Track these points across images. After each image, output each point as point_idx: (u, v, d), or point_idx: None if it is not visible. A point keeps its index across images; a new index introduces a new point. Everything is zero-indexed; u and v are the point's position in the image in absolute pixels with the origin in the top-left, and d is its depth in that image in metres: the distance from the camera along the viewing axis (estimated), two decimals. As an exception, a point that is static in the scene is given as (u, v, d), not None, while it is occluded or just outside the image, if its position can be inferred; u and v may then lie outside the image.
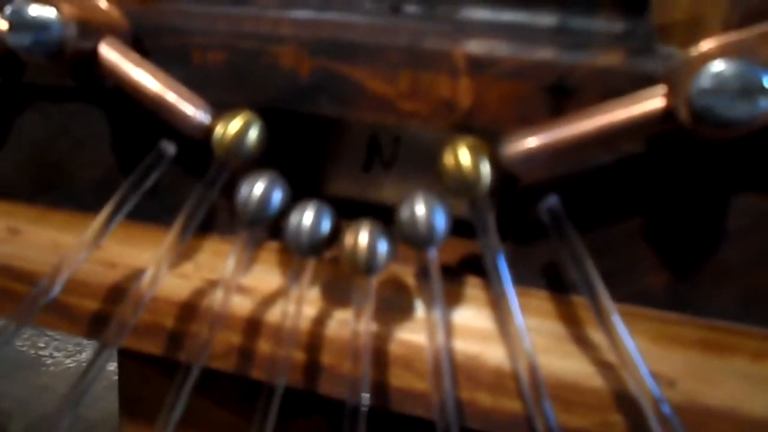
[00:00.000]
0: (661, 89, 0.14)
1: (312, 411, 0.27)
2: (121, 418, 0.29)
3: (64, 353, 0.61)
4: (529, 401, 0.16)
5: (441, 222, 0.16)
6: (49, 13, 0.17)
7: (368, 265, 0.17)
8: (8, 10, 0.17)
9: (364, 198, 0.25)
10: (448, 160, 0.16)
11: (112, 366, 0.28)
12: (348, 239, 0.17)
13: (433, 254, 0.17)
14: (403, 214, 0.17)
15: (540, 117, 0.17)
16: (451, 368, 0.18)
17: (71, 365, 0.60)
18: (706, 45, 0.14)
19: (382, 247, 0.17)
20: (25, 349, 0.62)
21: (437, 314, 0.17)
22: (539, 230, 0.19)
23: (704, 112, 0.13)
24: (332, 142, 0.25)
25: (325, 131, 0.25)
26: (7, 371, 0.57)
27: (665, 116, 0.14)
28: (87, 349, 0.60)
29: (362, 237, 0.17)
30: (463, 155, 0.16)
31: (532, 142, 0.15)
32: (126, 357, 0.29)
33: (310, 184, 0.25)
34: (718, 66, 0.13)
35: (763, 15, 0.14)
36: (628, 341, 0.15)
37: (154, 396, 0.28)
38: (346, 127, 0.25)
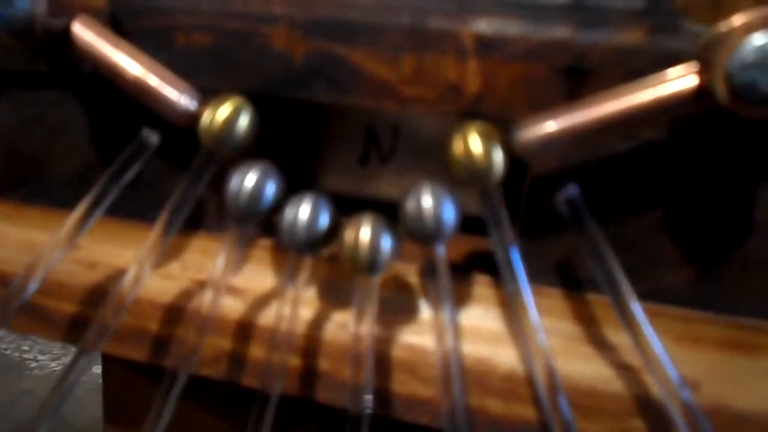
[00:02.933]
0: (693, 66, 0.13)
1: (304, 419, 0.25)
2: (105, 425, 0.28)
3: (49, 356, 0.60)
4: (546, 407, 0.15)
5: (450, 215, 0.15)
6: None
7: (371, 263, 0.15)
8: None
9: (360, 194, 0.24)
10: (457, 147, 0.15)
11: (99, 369, 0.27)
12: (348, 235, 0.16)
13: (441, 250, 0.15)
14: (409, 206, 0.15)
15: (554, 101, 0.16)
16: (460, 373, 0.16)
17: (56, 368, 0.59)
18: (740, 19, 0.13)
19: (386, 243, 0.15)
20: (8, 352, 0.60)
21: (445, 315, 0.15)
22: (550, 224, 0.18)
23: (746, 88, 0.12)
24: (326, 133, 0.24)
25: (318, 121, 0.23)
26: (-10, 375, 0.56)
27: (698, 96, 0.13)
28: (73, 353, 0.58)
29: (364, 232, 0.15)
30: (473, 142, 0.15)
31: (550, 126, 0.14)
32: (111, 362, 0.28)
33: (302, 179, 0.24)
34: (760, 38, 0.12)
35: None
36: (655, 341, 0.14)
37: (139, 402, 0.27)
38: (341, 117, 0.23)
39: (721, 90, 0.12)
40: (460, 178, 0.15)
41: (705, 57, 0.13)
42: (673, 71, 0.14)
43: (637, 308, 0.14)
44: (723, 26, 0.13)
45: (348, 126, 0.23)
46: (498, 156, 0.15)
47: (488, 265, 0.19)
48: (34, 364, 0.60)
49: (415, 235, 0.15)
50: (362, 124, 0.23)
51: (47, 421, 0.18)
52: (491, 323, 0.18)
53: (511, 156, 0.15)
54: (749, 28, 0.12)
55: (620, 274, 0.14)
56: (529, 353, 0.15)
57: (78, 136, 0.20)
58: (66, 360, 0.57)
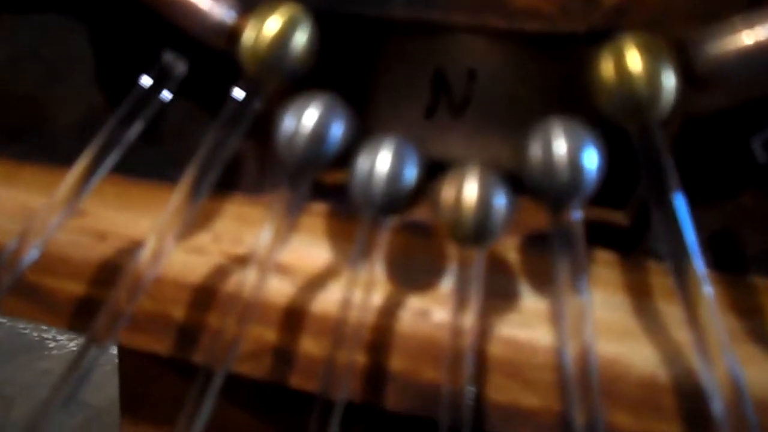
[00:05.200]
0: None
1: (353, 420, 0.22)
2: (122, 416, 0.27)
3: (68, 336, 0.62)
4: (725, 427, 0.11)
5: (591, 164, 0.11)
6: None
7: (480, 229, 0.11)
8: None
9: (424, 153, 0.20)
10: (606, 68, 0.11)
11: (115, 350, 0.26)
12: (447, 192, 0.12)
13: (576, 215, 0.11)
14: (533, 152, 0.11)
15: (729, 12, 0.12)
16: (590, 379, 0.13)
17: (75, 348, 0.60)
18: None
19: (499, 203, 0.11)
20: (27, 332, 0.62)
21: (582, 301, 0.11)
22: (702, 184, 0.14)
23: None
24: (382, 76, 0.20)
25: (372, 58, 0.19)
26: (9, 356, 0.58)
27: None
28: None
29: (470, 189, 0.11)
30: (632, 60, 0.11)
31: (758, 34, 0.10)
32: (127, 348, 0.26)
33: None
34: None
35: None
36: None
37: (160, 391, 0.26)
38: (402, 54, 0.19)
39: None
40: (611, 110, 0.11)
41: None
42: None
43: None
44: None
45: (411, 66, 0.19)
46: (669, 79, 0.11)
47: (609, 239, 0.15)
48: (52, 344, 0.62)
49: (541, 192, 0.11)
50: (430, 64, 0.19)
51: (51, 419, 0.15)
52: (618, 313, 0.14)
53: (687, 80, 0.11)
54: None
55: None
56: (701, 353, 0.11)
57: (83, 73, 0.18)
58: (85, 340, 0.58)
